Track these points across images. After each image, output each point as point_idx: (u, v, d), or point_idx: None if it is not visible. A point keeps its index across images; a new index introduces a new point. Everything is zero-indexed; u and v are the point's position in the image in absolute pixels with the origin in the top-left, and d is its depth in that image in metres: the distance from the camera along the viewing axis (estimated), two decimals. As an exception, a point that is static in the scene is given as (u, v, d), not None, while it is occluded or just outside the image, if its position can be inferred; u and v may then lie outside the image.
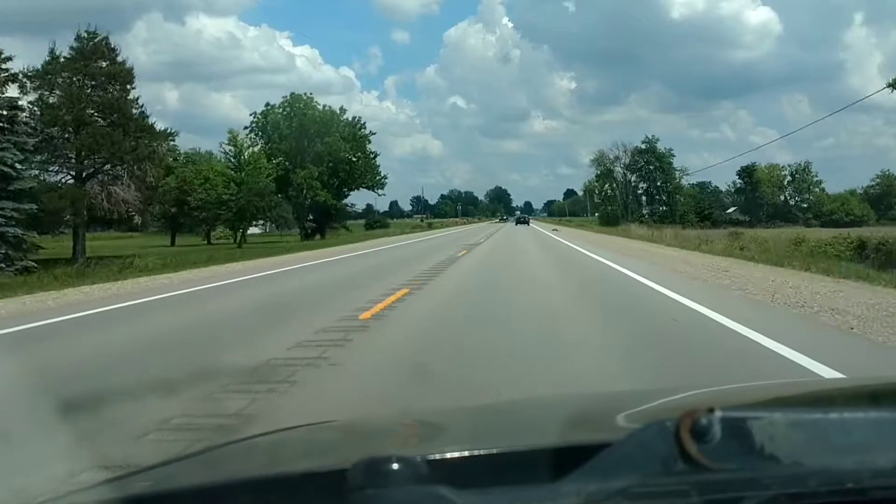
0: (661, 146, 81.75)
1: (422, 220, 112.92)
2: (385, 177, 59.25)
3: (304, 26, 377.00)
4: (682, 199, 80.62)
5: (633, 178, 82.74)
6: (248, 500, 0.86)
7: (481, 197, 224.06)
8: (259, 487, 0.88)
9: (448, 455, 0.85)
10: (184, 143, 48.40)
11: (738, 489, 0.71)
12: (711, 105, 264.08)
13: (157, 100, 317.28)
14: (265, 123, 53.37)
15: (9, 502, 2.71)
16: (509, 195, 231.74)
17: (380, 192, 59.83)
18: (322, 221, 53.12)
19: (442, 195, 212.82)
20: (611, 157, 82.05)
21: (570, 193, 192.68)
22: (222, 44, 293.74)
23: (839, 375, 4.29)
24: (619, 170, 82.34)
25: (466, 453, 0.86)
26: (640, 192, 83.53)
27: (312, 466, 1.01)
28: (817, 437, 0.79)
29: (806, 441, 0.78)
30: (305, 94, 55.08)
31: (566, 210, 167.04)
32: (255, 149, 49.33)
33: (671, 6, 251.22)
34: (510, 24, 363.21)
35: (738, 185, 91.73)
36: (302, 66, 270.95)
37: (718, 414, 0.73)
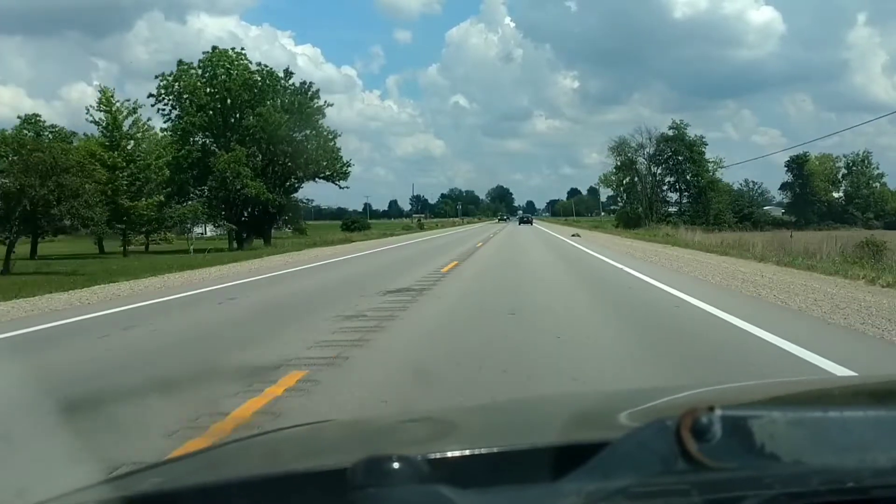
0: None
1: (414, 221, 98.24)
2: (348, 164, 43.62)
3: (305, 26, 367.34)
4: (714, 195, 64.16)
5: (658, 171, 66.53)
6: (248, 499, 0.87)
7: (483, 196, 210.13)
8: (260, 487, 0.89)
9: (448, 454, 0.87)
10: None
11: (738, 488, 0.74)
12: (714, 104, 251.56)
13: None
14: (178, 90, 37.35)
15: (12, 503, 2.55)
16: (511, 195, 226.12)
17: (342, 184, 43.81)
18: (261, 222, 37.31)
19: (442, 194, 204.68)
20: (633, 145, 65.93)
21: (573, 192, 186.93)
22: (223, 43, 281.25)
23: None
24: (642, 161, 66.18)
25: (467, 452, 0.88)
26: (665, 186, 67.38)
27: (313, 465, 1.02)
28: (818, 435, 0.82)
29: (806, 440, 0.81)
30: (233, 49, 39.17)
31: (572, 209, 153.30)
32: (161, 123, 33.54)
33: (674, 6, 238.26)
34: (512, 24, 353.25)
35: (785, 180, 76.22)
36: (304, 65, 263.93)
37: (719, 413, 0.76)
